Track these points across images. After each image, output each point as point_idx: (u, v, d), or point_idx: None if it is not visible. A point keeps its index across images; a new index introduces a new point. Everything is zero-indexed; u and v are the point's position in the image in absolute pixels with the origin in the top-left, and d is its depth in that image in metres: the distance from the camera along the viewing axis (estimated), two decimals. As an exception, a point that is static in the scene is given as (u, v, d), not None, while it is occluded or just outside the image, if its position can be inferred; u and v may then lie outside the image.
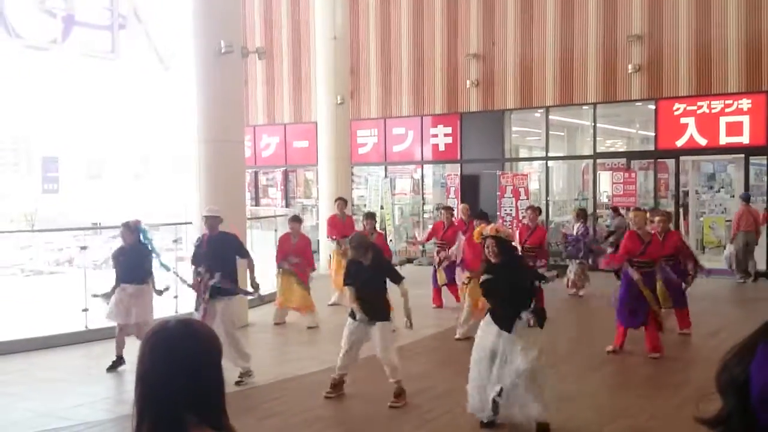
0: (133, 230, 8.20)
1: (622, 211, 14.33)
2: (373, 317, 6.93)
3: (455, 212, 13.71)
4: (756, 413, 1.21)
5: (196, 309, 7.74)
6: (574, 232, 13.19)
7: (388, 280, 7.05)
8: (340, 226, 12.27)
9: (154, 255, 8.38)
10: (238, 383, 7.43)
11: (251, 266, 8.02)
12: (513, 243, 6.35)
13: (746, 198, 14.19)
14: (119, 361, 8.11)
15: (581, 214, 13.42)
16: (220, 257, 7.67)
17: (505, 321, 5.94)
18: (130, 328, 8.05)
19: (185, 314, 9.56)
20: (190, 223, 10.88)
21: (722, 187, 18.51)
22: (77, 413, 6.66)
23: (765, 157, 14.88)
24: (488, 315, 6.13)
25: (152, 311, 8.30)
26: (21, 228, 18.98)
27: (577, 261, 12.96)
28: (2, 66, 19.59)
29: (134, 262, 8.14)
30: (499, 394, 5.89)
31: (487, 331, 6.08)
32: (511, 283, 5.99)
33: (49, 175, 27.57)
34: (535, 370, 5.83)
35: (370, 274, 6.97)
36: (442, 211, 12.39)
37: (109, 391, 7.63)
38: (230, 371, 7.78)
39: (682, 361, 8.23)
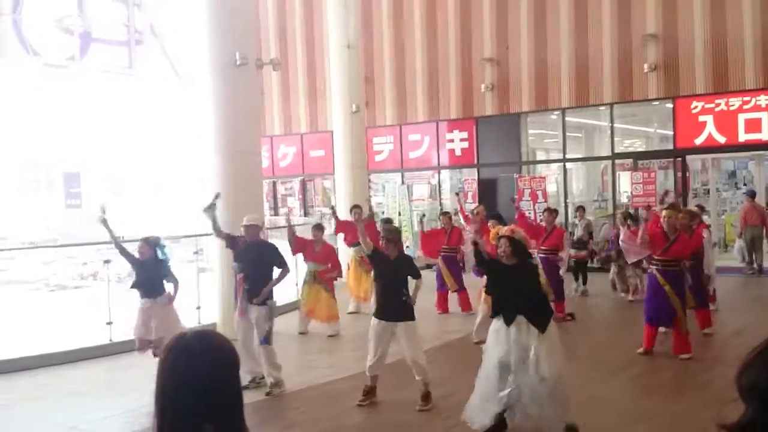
0: (151, 245, 8.27)
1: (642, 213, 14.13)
2: (396, 317, 6.96)
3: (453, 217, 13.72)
4: None
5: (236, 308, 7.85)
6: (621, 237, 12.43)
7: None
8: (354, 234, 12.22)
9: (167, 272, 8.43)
10: (268, 394, 7.49)
11: (282, 277, 8.08)
12: (528, 246, 6.29)
13: (752, 194, 14.78)
14: None
15: (626, 218, 12.08)
16: (257, 265, 7.78)
17: (507, 315, 5.91)
18: (152, 343, 7.99)
19: (207, 325, 9.63)
20: (210, 234, 10.95)
21: (745, 184, 18.30)
22: (102, 426, 6.73)
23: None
24: (495, 322, 6.03)
25: (178, 324, 8.20)
26: (45, 243, 19.16)
27: (617, 264, 12.73)
28: (22, 84, 19.85)
29: (149, 277, 8.20)
30: (504, 411, 5.84)
31: (496, 341, 5.99)
32: (518, 287, 5.96)
33: (71, 190, 27.87)
34: (560, 376, 5.80)
35: (394, 268, 7.03)
36: (441, 218, 12.45)
37: (133, 404, 7.68)
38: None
39: (706, 362, 8.14)
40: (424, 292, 7.51)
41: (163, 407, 1.77)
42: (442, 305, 11.97)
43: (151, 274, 8.19)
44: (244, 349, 7.59)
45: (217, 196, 8.39)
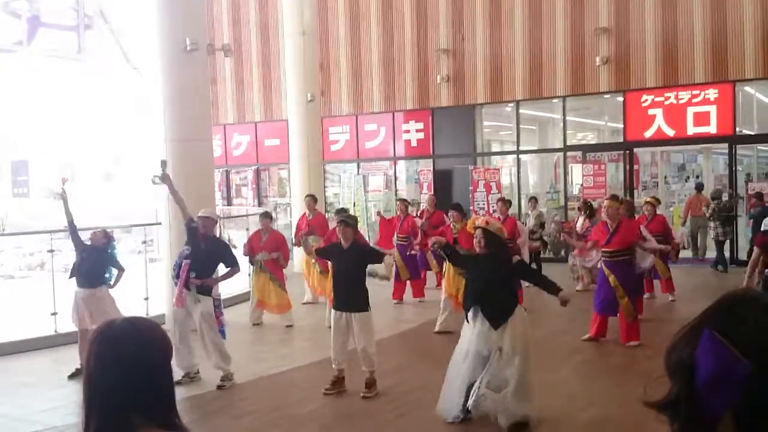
0: (108, 237, 8.23)
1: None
2: (350, 307, 6.94)
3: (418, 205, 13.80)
4: (702, 399, 1.19)
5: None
6: (579, 228, 12.20)
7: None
8: (305, 225, 12.09)
9: (112, 267, 8.32)
10: (220, 387, 7.39)
11: (231, 274, 8.00)
12: (502, 237, 6.31)
13: (699, 187, 15.69)
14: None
15: (585, 208, 12.56)
16: (208, 259, 7.68)
17: (491, 316, 5.92)
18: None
19: (155, 317, 9.48)
20: (160, 224, 10.79)
21: (697, 177, 18.71)
22: (47, 417, 6.59)
23: (728, 146, 15.08)
24: (470, 313, 6.04)
25: (116, 313, 8.05)
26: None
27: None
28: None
29: (91, 268, 8.09)
30: (469, 397, 5.87)
31: (468, 332, 6.02)
32: (491, 276, 5.98)
33: (19, 179, 27.21)
34: (526, 374, 5.85)
35: (349, 259, 6.99)
36: (397, 203, 12.47)
37: (79, 396, 7.54)
38: (209, 372, 7.74)
39: (652, 349, 8.30)
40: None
41: (91, 397, 1.71)
42: (398, 294, 11.99)
43: (96, 263, 8.12)
44: (180, 341, 7.46)
45: (164, 164, 8.22)
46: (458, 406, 5.93)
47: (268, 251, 10.54)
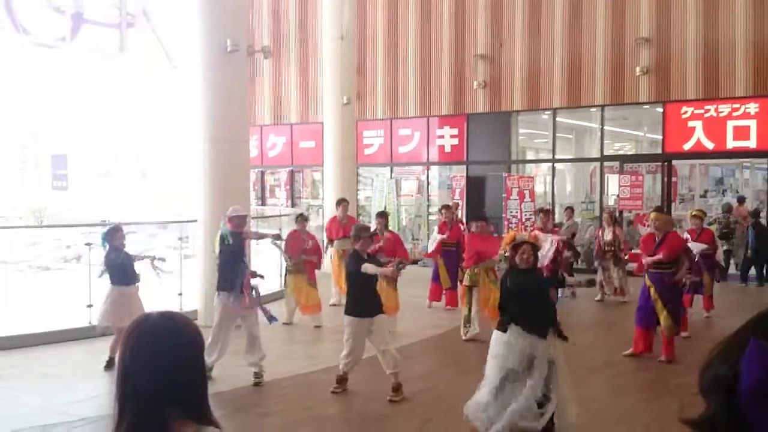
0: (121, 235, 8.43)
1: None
2: (370, 312, 7.00)
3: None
4: (744, 412, 1.18)
5: (234, 296, 7.71)
6: (606, 238, 12.60)
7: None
8: (338, 228, 12.13)
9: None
10: (257, 384, 7.48)
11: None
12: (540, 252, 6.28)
13: (741, 200, 15.89)
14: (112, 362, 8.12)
15: (611, 220, 12.72)
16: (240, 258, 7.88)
17: (538, 327, 5.86)
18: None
19: (189, 312, 9.59)
20: (195, 221, 10.91)
21: (737, 191, 18.42)
22: (76, 409, 6.68)
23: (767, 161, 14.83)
24: (509, 328, 5.88)
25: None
26: (30, 224, 19.06)
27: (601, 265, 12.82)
28: (11, 62, 19.67)
29: (129, 266, 8.28)
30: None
31: (507, 349, 5.84)
32: (531, 291, 5.97)
33: (58, 172, 27.70)
34: (555, 388, 5.79)
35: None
36: (443, 211, 12.35)
37: (109, 388, 7.64)
38: (240, 369, 7.80)
39: (684, 365, 8.17)
40: (415, 286, 7.53)
41: (125, 389, 1.73)
42: (435, 296, 11.97)
43: (129, 262, 8.31)
44: (222, 337, 7.62)
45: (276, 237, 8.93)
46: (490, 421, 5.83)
47: (309, 254, 10.66)
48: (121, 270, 8.19)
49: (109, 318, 8.17)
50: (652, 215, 8.90)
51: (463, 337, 9.62)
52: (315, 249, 10.92)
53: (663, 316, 8.39)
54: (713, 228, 13.69)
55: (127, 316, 7.83)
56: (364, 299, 7.03)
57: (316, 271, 11.06)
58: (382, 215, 10.90)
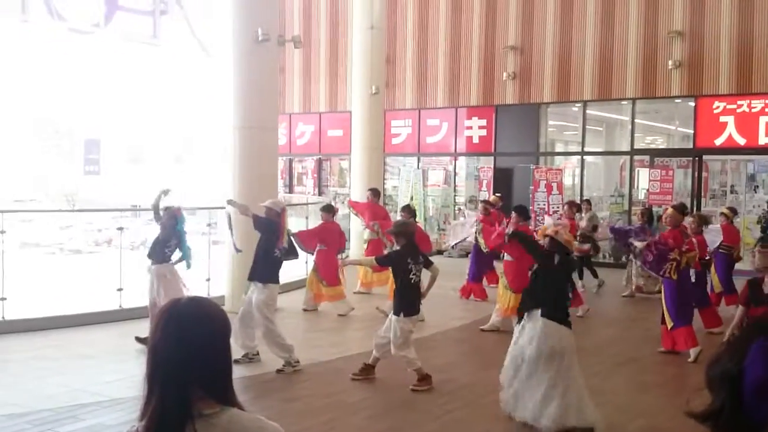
0: (170, 216, 8.52)
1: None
2: (417, 310, 7.26)
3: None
4: (747, 407, 1.22)
5: None
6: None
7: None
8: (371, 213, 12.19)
9: (180, 243, 8.63)
10: (279, 371, 7.54)
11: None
12: (570, 248, 6.25)
13: None
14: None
15: (646, 215, 12.39)
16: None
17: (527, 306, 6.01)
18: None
19: (216, 298, 9.75)
20: (224, 207, 11.04)
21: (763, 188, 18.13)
22: (107, 389, 6.85)
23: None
24: (527, 316, 6.06)
25: (181, 292, 8.36)
26: (62, 208, 19.42)
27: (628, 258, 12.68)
28: (46, 48, 20.00)
29: (163, 244, 8.47)
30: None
31: (520, 336, 6.08)
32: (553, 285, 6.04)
33: (90, 157, 28.09)
34: (555, 379, 5.85)
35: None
36: (482, 205, 12.25)
37: (139, 369, 7.81)
38: (270, 355, 7.92)
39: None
40: (445, 278, 7.63)
41: (154, 370, 1.83)
42: (479, 293, 11.97)
43: (165, 241, 8.49)
44: (240, 323, 7.74)
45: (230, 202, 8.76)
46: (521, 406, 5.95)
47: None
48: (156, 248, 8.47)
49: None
50: (669, 211, 9.03)
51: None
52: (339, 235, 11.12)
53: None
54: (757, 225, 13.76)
55: (161, 294, 8.18)
56: (412, 297, 7.14)
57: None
58: (408, 209, 10.91)
